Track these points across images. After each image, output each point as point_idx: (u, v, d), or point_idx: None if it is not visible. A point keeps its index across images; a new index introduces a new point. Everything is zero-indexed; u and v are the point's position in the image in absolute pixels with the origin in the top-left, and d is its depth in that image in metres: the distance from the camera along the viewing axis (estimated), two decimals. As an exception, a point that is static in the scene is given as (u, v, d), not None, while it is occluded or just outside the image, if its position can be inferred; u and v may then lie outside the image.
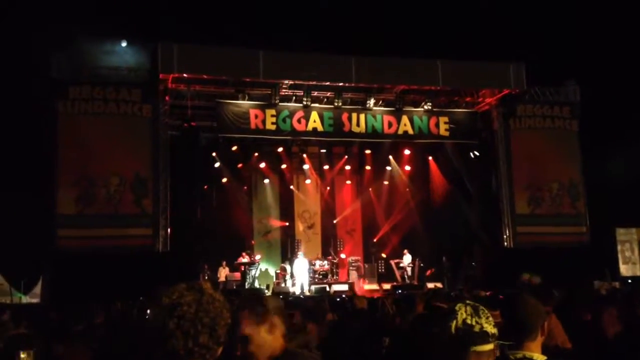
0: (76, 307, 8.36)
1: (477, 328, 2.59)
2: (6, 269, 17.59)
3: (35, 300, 17.71)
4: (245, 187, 22.70)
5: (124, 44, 19.22)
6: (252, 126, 18.67)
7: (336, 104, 19.19)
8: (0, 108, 17.00)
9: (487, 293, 12.68)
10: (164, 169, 18.15)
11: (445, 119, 20.08)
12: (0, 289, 17.59)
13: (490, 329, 2.60)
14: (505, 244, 20.29)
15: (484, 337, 2.58)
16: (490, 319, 2.63)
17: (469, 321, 2.59)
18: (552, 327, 5.38)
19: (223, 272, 19.90)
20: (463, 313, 2.61)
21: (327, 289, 19.50)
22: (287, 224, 23.20)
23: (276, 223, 23.11)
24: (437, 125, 19.98)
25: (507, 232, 20.29)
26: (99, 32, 18.56)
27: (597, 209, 20.48)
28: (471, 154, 21.37)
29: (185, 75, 17.78)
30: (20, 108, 17.18)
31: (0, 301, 16.92)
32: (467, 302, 2.69)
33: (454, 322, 2.61)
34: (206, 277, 18.93)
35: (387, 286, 20.15)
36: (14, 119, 17.11)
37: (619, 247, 21.26)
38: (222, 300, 2.11)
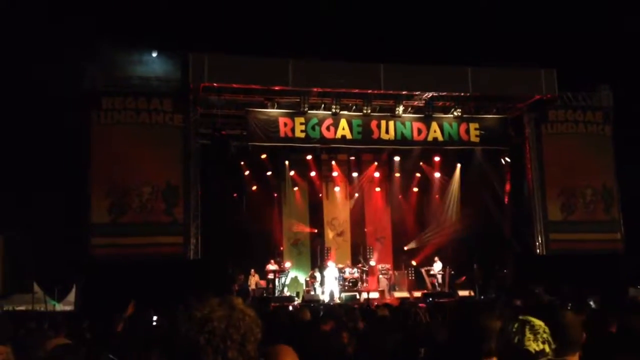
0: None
1: (520, 347, 2.54)
2: (41, 277, 17.90)
3: (68, 308, 17.97)
4: (275, 195, 22.77)
5: (154, 54, 19.47)
6: (282, 134, 18.75)
7: (365, 111, 19.17)
8: (35, 119, 17.33)
9: (518, 302, 12.57)
10: (194, 177, 18.29)
11: (476, 125, 19.93)
12: (34, 297, 17.89)
13: (536, 346, 2.55)
14: (538, 251, 20.01)
15: (528, 356, 2.53)
16: (540, 335, 2.58)
17: (514, 340, 2.55)
18: None
19: (253, 280, 19.99)
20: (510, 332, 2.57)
21: (357, 296, 19.46)
22: (317, 231, 23.20)
23: (306, 230, 23.12)
24: (467, 131, 19.83)
25: (540, 239, 20.01)
26: (129, 42, 18.84)
27: (632, 215, 20.13)
28: (502, 160, 21.19)
29: (215, 84, 17.93)
30: (54, 119, 17.48)
31: (34, 308, 17.23)
32: (520, 317, 2.64)
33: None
34: (236, 286, 19.00)
35: (417, 294, 20.03)
36: (49, 130, 17.41)
37: (654, 254, 20.83)
38: (253, 316, 2.14)
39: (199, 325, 2.04)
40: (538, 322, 2.60)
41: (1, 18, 16.95)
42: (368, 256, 22.65)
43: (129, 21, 19.03)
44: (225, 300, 2.12)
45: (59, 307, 18.82)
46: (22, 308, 17.41)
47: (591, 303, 11.57)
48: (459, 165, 22.21)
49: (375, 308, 8.73)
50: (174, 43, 19.32)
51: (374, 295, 19.84)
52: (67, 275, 18.21)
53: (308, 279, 20.89)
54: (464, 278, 20.73)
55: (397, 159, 22.16)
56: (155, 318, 10.78)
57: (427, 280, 21.24)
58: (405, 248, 23.31)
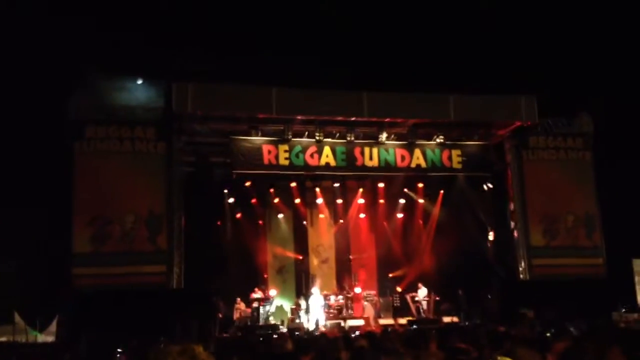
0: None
1: None
2: (22, 308, 17.66)
3: (50, 339, 17.73)
4: (260, 222, 22.74)
5: (139, 82, 19.43)
6: (265, 162, 18.77)
7: (348, 138, 19.29)
8: (17, 148, 17.25)
9: (502, 329, 12.60)
10: (177, 205, 18.23)
11: (458, 151, 20.07)
12: (15, 328, 17.63)
13: None
14: (521, 276, 20.10)
15: None
16: None
17: None
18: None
19: (238, 309, 19.86)
20: None
21: (342, 324, 19.38)
22: (302, 258, 23.16)
23: (290, 258, 23.06)
24: (449, 158, 19.97)
25: (523, 264, 20.12)
26: (111, 70, 18.80)
27: (614, 240, 20.29)
28: (484, 186, 21.32)
29: (199, 112, 18.00)
30: (37, 148, 17.40)
31: (16, 340, 16.98)
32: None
33: None
34: (219, 315, 18.88)
35: (402, 321, 19.97)
36: (31, 159, 17.32)
37: (636, 279, 20.98)
38: None
39: None
40: None
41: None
42: (353, 283, 22.61)
43: (113, 48, 19.00)
44: (186, 350, 2.12)
45: (41, 337, 18.57)
46: (3, 339, 17.16)
47: (572, 329, 11.60)
48: (441, 191, 22.34)
49: (354, 339, 8.70)
50: (157, 70, 19.30)
51: (360, 322, 19.76)
52: (48, 305, 17.99)
53: (293, 306, 20.80)
54: (448, 304, 20.73)
55: (381, 185, 22.25)
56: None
57: (412, 306, 21.21)
58: (390, 275, 23.30)
